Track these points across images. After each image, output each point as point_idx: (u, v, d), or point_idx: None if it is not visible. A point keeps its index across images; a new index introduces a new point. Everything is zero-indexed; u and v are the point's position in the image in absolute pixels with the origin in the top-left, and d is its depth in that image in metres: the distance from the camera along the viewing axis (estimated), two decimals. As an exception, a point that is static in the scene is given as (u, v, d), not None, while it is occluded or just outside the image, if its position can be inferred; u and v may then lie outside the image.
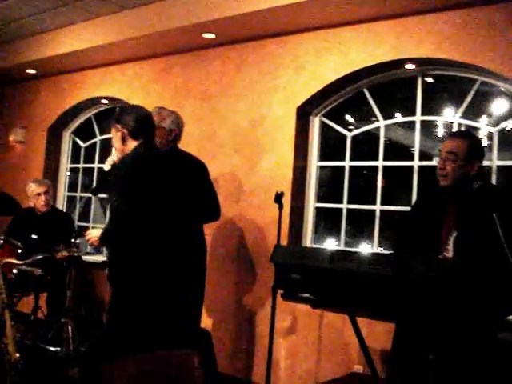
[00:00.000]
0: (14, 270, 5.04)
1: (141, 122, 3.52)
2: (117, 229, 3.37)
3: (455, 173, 3.32)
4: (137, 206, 3.34)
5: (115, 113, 3.68)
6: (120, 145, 3.60)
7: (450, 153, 3.33)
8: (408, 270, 2.57)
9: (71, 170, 7.78)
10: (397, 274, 2.60)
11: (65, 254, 5.19)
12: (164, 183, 3.52)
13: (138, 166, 3.43)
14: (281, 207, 4.54)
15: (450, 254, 3.27)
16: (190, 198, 3.87)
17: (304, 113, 5.26)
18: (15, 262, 5.05)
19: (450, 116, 4.70)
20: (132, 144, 3.54)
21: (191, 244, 4.01)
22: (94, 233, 3.50)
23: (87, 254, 6.49)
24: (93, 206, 7.31)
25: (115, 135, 3.65)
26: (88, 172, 7.51)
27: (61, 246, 5.22)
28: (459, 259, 3.12)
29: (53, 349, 5.08)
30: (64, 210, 7.47)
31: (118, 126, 3.57)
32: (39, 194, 5.78)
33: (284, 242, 4.99)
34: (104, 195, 5.20)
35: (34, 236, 5.55)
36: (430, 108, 4.79)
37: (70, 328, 5.11)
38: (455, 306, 2.59)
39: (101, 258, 6.51)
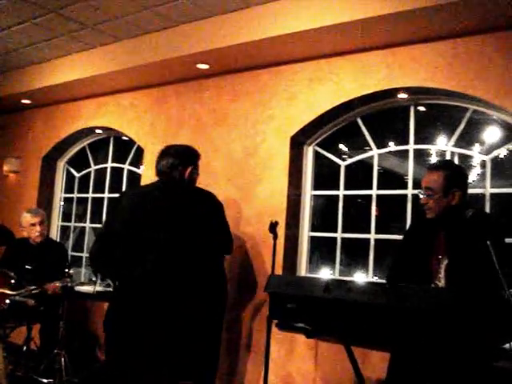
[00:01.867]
0: (7, 301, 5.00)
1: (158, 164, 3.85)
2: (93, 250, 3.70)
3: (436, 205, 3.38)
4: (113, 232, 3.64)
5: None
6: None
7: (426, 188, 3.39)
8: (403, 300, 2.57)
9: (65, 199, 7.76)
10: (392, 304, 2.59)
11: (58, 284, 5.16)
12: (151, 213, 3.65)
13: (121, 197, 3.78)
14: (275, 237, 4.54)
15: (441, 281, 3.28)
16: (203, 231, 3.83)
17: (297, 142, 5.28)
18: (8, 292, 5.01)
19: (443, 144, 4.73)
20: None
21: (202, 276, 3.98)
22: None
23: (81, 284, 6.46)
24: (87, 236, 7.29)
25: None
26: (82, 202, 7.50)
27: (56, 283, 5.17)
28: (453, 288, 3.12)
29: (45, 380, 5.02)
30: (58, 240, 7.45)
31: None
32: (34, 225, 5.73)
33: (279, 271, 4.97)
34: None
35: (27, 266, 5.50)
36: (423, 137, 4.82)
37: (62, 359, 5.06)
38: (451, 336, 2.57)
39: (94, 288, 6.46)
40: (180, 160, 3.82)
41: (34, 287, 5.05)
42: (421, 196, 3.46)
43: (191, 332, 3.80)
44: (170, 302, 3.55)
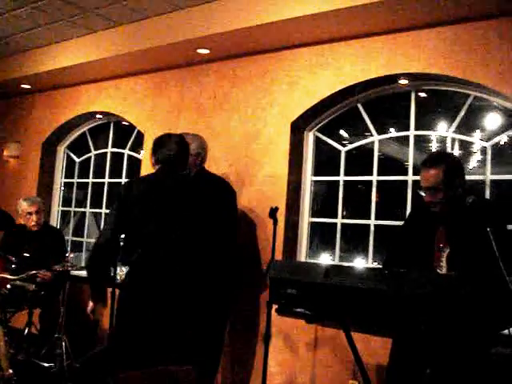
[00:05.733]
0: (8, 286, 5.02)
1: (160, 152, 3.88)
2: (99, 247, 3.71)
3: (442, 199, 3.35)
4: (124, 223, 3.68)
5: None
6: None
7: (429, 188, 3.37)
8: (404, 285, 2.58)
9: (65, 184, 7.77)
10: (392, 289, 2.60)
11: (58, 268, 5.16)
12: (158, 202, 3.72)
13: (127, 187, 3.83)
14: (275, 222, 4.54)
15: (443, 270, 3.28)
16: (206, 218, 3.97)
17: (298, 128, 5.27)
18: (9, 277, 5.02)
19: (444, 130, 4.72)
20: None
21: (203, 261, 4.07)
22: None
23: (81, 268, 6.47)
24: (87, 221, 7.31)
25: None
26: (82, 187, 7.50)
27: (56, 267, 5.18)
28: (455, 274, 3.12)
29: (46, 365, 5.05)
30: (57, 225, 7.46)
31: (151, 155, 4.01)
32: (30, 214, 5.71)
33: (279, 256, 4.98)
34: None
35: (26, 254, 5.48)
36: (424, 123, 4.81)
37: (63, 344, 5.08)
38: (451, 321, 2.59)
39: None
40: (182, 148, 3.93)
41: (34, 272, 5.08)
42: (422, 194, 3.43)
43: (196, 317, 3.91)
44: (178, 289, 3.64)
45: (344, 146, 5.25)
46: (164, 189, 3.79)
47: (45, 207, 6.18)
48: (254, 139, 5.40)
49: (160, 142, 3.93)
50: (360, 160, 5.21)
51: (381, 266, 4.54)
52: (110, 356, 3.65)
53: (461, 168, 3.49)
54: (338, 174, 5.21)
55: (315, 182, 5.37)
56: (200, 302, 3.94)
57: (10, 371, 4.21)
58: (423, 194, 3.43)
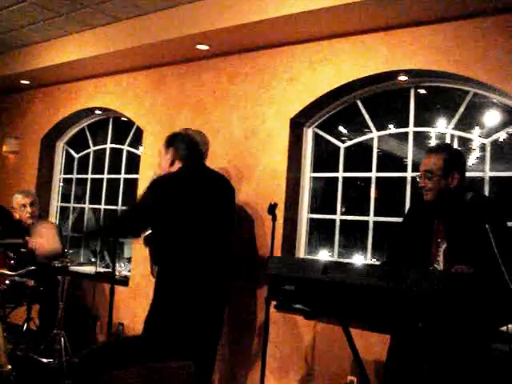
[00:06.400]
0: (7, 281, 5.01)
1: (190, 149, 4.02)
2: (129, 220, 3.87)
3: (436, 187, 3.38)
4: (156, 217, 3.81)
5: (168, 137, 4.11)
6: (167, 166, 4.03)
7: (426, 171, 3.40)
8: (403, 282, 2.57)
9: (64, 180, 7.76)
10: (392, 286, 2.60)
11: (57, 264, 5.16)
12: (191, 199, 3.89)
13: (166, 182, 3.90)
14: (274, 218, 4.54)
15: (440, 265, 3.29)
16: (214, 215, 4.10)
17: (297, 124, 5.27)
18: (8, 272, 5.02)
19: (443, 127, 4.72)
20: (177, 166, 4.00)
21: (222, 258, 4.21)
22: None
23: (79, 264, 6.46)
24: (86, 217, 7.31)
25: (164, 157, 4.06)
26: (81, 183, 7.50)
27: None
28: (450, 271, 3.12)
29: (45, 360, 5.04)
30: (57, 221, 7.46)
31: (170, 149, 4.01)
32: (24, 206, 5.70)
33: (277, 253, 4.98)
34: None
35: (22, 250, 5.45)
36: (423, 119, 4.81)
37: (62, 339, 5.08)
38: (450, 318, 2.59)
39: (93, 269, 6.49)
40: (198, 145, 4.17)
41: (33, 268, 5.06)
42: (418, 179, 3.47)
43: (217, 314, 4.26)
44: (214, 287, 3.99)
45: (343, 142, 5.24)
46: (207, 186, 4.02)
47: (39, 202, 6.14)
48: (253, 135, 5.39)
49: (180, 139, 4.06)
50: (359, 156, 5.20)
51: (380, 263, 4.56)
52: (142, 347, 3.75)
53: (462, 162, 3.49)
54: (337, 171, 5.21)
55: (314, 178, 5.37)
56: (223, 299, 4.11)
57: (9, 367, 4.21)
58: (418, 180, 3.47)
